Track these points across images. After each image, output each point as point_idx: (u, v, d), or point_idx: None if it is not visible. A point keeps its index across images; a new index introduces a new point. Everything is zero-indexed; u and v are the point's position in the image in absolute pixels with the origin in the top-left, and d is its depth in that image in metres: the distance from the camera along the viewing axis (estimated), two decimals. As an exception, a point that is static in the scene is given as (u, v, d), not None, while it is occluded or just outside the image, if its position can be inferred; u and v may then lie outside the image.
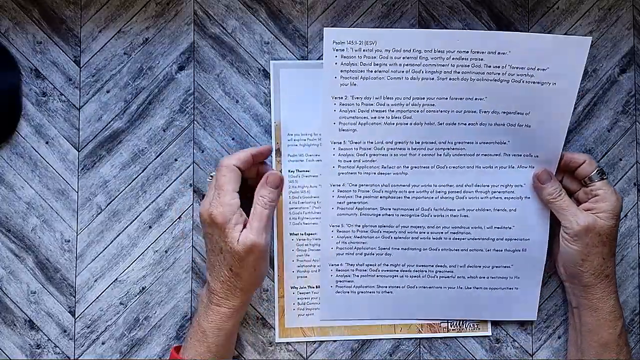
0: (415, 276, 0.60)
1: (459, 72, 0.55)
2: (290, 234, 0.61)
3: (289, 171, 0.61)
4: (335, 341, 0.62)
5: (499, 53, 0.54)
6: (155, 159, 0.62)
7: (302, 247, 0.61)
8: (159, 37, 0.62)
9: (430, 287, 0.61)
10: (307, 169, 0.61)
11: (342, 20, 0.62)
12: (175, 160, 0.62)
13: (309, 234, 0.61)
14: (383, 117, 0.56)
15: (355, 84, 0.55)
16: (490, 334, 0.63)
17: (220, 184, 0.53)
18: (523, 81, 0.55)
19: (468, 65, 0.55)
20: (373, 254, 0.60)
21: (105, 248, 0.61)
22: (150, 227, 0.62)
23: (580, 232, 0.56)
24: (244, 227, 0.53)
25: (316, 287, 0.61)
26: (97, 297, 0.61)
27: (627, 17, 0.63)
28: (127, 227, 0.62)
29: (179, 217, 0.62)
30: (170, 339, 0.61)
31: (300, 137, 0.61)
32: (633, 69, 0.63)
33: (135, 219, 0.62)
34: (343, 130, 0.56)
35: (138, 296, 0.61)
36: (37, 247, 0.61)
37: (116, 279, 0.61)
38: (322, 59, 0.62)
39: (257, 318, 0.62)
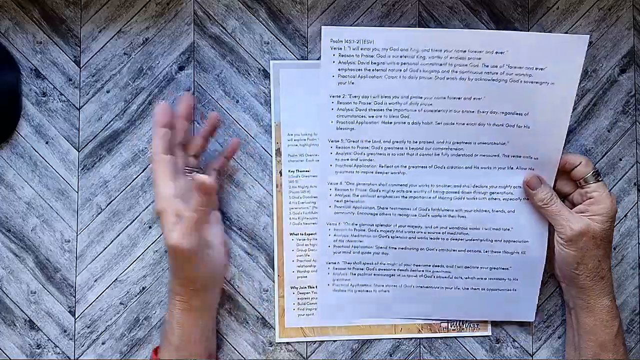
0: (411, 276, 0.60)
1: (456, 72, 0.55)
2: (290, 234, 0.61)
3: (289, 171, 0.61)
4: (335, 341, 0.62)
5: (496, 52, 0.54)
6: (155, 159, 0.62)
7: (302, 247, 0.61)
8: (159, 37, 0.62)
9: (427, 287, 0.60)
10: (307, 168, 0.61)
11: (342, 20, 0.62)
12: (175, 160, 0.62)
13: (308, 234, 0.61)
14: (381, 116, 0.56)
15: (353, 83, 0.55)
16: (490, 334, 0.63)
17: (153, 178, 0.52)
18: (521, 81, 0.55)
19: (466, 65, 0.55)
20: (370, 253, 0.60)
21: (105, 248, 0.61)
22: (150, 227, 0.62)
23: (574, 237, 0.56)
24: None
25: (316, 287, 0.61)
26: (97, 297, 0.61)
27: (627, 17, 0.64)
28: (127, 227, 0.62)
29: (179, 217, 0.62)
30: (170, 339, 0.61)
31: (300, 137, 0.61)
32: (633, 69, 0.64)
33: (135, 219, 0.62)
34: (340, 128, 0.57)
35: (138, 296, 0.61)
36: (37, 247, 0.61)
37: (116, 279, 0.61)
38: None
39: (257, 318, 0.62)
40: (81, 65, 0.62)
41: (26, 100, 0.61)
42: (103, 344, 0.61)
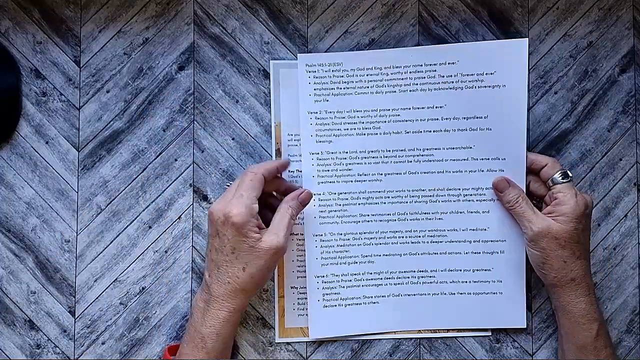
0: (398, 283, 0.61)
1: (417, 84, 0.60)
2: (290, 233, 0.61)
3: (288, 171, 0.61)
4: (335, 341, 0.62)
5: (449, 63, 0.60)
6: (155, 159, 0.62)
7: (302, 247, 0.61)
8: (159, 37, 0.62)
9: (414, 295, 0.61)
10: (307, 169, 0.61)
11: (342, 20, 0.62)
12: (175, 160, 0.62)
13: (309, 234, 0.61)
14: (355, 129, 0.61)
15: (327, 100, 0.60)
16: (490, 334, 0.63)
17: (244, 187, 0.55)
18: (475, 86, 0.60)
19: (424, 77, 0.60)
20: (357, 262, 0.61)
21: (105, 248, 0.61)
22: (150, 227, 0.62)
23: (534, 237, 0.57)
24: (259, 230, 0.55)
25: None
26: (97, 297, 0.61)
27: (627, 17, 0.64)
28: (127, 227, 0.62)
29: (179, 217, 0.62)
30: (170, 339, 0.61)
31: (300, 137, 0.61)
32: (633, 69, 0.64)
33: (135, 219, 0.62)
34: (320, 142, 0.60)
35: (138, 296, 0.61)
36: (37, 247, 0.61)
37: (116, 279, 0.61)
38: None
39: (257, 318, 0.62)
40: (81, 65, 0.62)
41: (26, 100, 0.61)
42: (103, 344, 0.61)
